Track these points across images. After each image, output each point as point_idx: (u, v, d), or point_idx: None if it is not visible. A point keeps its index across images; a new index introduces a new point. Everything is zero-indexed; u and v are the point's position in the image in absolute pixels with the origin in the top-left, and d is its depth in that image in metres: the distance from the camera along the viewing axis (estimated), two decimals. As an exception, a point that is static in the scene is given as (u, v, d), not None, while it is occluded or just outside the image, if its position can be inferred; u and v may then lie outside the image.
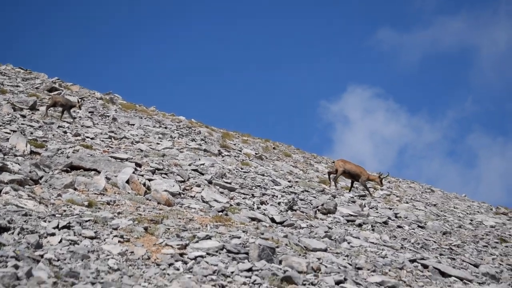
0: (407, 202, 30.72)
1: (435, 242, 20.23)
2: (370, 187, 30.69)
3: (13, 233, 11.25)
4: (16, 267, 8.99)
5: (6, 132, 21.46)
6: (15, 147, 19.27)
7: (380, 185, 30.38)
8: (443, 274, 15.67)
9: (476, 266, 17.67)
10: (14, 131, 21.56)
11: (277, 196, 21.37)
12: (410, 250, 17.73)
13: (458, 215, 29.91)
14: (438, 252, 18.59)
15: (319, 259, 13.77)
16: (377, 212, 23.72)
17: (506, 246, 23.09)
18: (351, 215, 21.05)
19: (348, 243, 16.60)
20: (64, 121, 27.11)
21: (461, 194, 42.25)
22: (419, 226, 22.76)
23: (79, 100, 30.07)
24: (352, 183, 29.97)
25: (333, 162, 31.01)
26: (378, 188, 33.04)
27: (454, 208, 33.85)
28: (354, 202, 24.86)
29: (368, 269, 14.09)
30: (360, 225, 19.89)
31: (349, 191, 29.16)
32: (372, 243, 17.44)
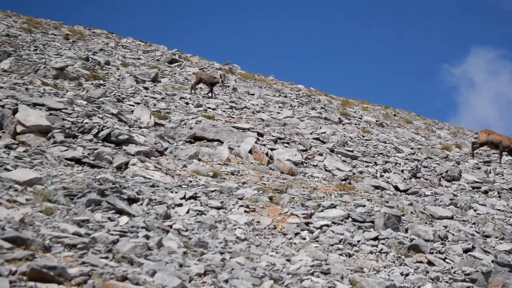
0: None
1: None
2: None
3: (142, 204, 11.49)
4: (147, 237, 9.16)
5: (130, 105, 21.89)
6: (139, 119, 19.65)
7: None
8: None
9: None
10: (137, 103, 21.98)
11: (400, 164, 21.12)
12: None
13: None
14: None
15: (445, 227, 13.57)
16: (503, 179, 23.11)
17: None
18: (477, 182, 20.61)
19: (475, 210, 16.28)
20: (210, 97, 27.54)
21: None
22: (548, 192, 22.09)
23: (221, 75, 30.33)
24: (500, 153, 28.91)
25: (476, 133, 30.34)
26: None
27: None
28: (479, 168, 24.30)
29: (496, 237, 13.79)
30: (486, 192, 19.45)
31: (499, 163, 28.23)
32: (499, 210, 17.04)
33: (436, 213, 14.49)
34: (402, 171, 20.00)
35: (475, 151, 28.13)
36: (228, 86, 31.29)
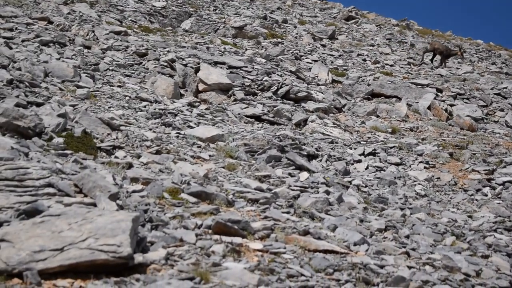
0: None
1: None
2: None
3: (321, 160, 11.64)
4: (328, 192, 9.28)
5: (307, 62, 22.04)
6: (317, 76, 19.79)
7: None
8: None
9: None
10: (315, 61, 22.09)
11: None
12: None
13: None
14: None
15: None
16: None
17: None
18: None
19: None
20: (442, 68, 27.33)
21: None
22: None
23: (460, 47, 29.85)
24: None
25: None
26: None
27: None
28: None
29: None
30: None
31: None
32: None
33: None
34: None
35: None
36: (406, 42, 30.85)
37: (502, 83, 23.37)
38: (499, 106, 19.32)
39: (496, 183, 11.50)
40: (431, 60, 26.35)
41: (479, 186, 11.28)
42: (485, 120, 17.93)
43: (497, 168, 12.23)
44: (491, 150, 13.72)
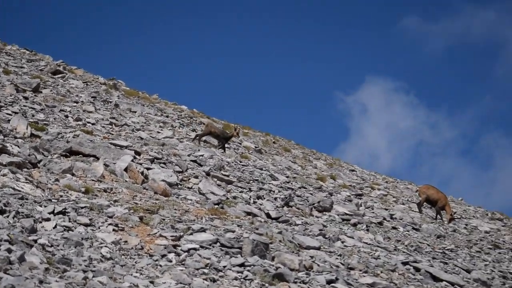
0: (403, 203, 30.74)
1: (428, 245, 20.27)
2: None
3: (8, 216, 11.30)
4: (9, 251, 9.03)
5: (7, 114, 21.43)
6: (15, 129, 19.27)
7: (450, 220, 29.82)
8: (435, 278, 15.73)
9: (468, 271, 17.71)
10: (15, 113, 21.52)
11: (274, 191, 21.39)
12: (403, 252, 17.78)
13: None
14: (431, 255, 18.63)
15: (312, 257, 13.84)
16: (373, 212, 23.77)
17: (500, 253, 23.13)
18: (347, 214, 21.09)
19: (342, 242, 16.66)
20: (221, 149, 27.47)
21: (457, 198, 42.25)
22: (413, 228, 22.79)
23: (236, 127, 29.91)
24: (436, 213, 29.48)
25: (417, 191, 31.12)
26: (375, 188, 33.10)
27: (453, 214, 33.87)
28: (350, 201, 24.90)
29: (360, 270, 14.15)
30: (355, 225, 19.93)
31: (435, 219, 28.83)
32: (366, 243, 17.49)
33: (304, 243, 14.76)
34: (276, 198, 20.27)
35: (419, 207, 28.82)
36: (111, 102, 31.02)
37: (199, 150, 24.16)
38: (194, 173, 19.90)
39: (181, 250, 11.77)
40: (199, 138, 27.07)
41: (165, 252, 11.48)
42: (180, 186, 18.36)
43: (184, 235, 12.53)
44: (181, 217, 14.07)
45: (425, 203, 28.86)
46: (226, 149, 28.05)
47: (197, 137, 27.76)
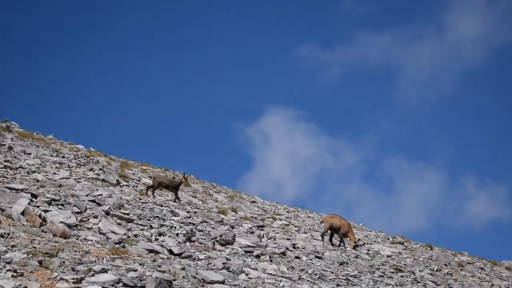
0: (305, 232, 31.01)
1: (332, 272, 20.49)
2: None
3: None
4: None
5: None
6: None
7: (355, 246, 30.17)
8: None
9: (373, 296, 17.99)
10: None
11: (175, 227, 21.25)
12: (308, 281, 17.91)
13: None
14: (335, 282, 18.84)
15: (216, 291, 13.78)
16: (275, 243, 23.89)
17: (402, 276, 23.59)
18: (250, 246, 21.12)
19: (246, 274, 16.65)
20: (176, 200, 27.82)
21: (359, 224, 42.91)
22: (316, 257, 23.01)
23: (184, 174, 30.04)
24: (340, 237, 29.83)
25: (321, 222, 31.38)
26: (277, 218, 33.30)
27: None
28: (252, 232, 24.96)
29: (266, 301, 14.18)
30: (258, 256, 19.97)
31: (337, 246, 29.13)
32: (270, 274, 17.54)
33: (207, 278, 14.69)
34: (177, 234, 20.13)
35: (322, 236, 29.15)
36: (4, 145, 30.40)
37: (97, 190, 23.83)
38: (93, 213, 19.59)
39: (82, 292, 11.55)
40: (153, 192, 27.12)
41: (66, 295, 11.26)
42: (79, 227, 18.04)
43: (85, 277, 12.30)
44: (81, 258, 13.81)
45: (329, 231, 29.23)
46: (175, 195, 28.65)
47: (148, 190, 28.26)
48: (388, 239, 38.55)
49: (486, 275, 31.95)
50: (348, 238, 29.61)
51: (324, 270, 20.45)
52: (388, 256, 29.17)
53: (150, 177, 33.35)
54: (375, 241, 34.32)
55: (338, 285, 18.53)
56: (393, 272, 23.96)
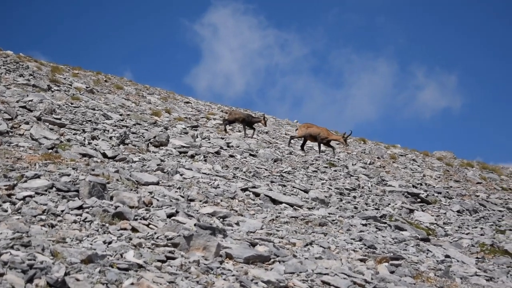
0: (239, 131, 31.14)
1: (266, 169, 20.69)
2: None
3: None
4: None
5: None
6: None
7: (345, 145, 30.42)
8: (274, 201, 16.10)
9: (306, 191, 18.22)
10: None
11: (108, 131, 21.09)
12: (242, 179, 18.06)
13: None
14: (270, 179, 19.03)
15: (150, 193, 13.80)
16: (210, 143, 23.96)
17: (335, 170, 23.91)
18: (184, 147, 21.14)
19: (181, 175, 16.70)
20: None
21: (293, 120, 43.23)
22: (250, 155, 23.17)
23: (264, 116, 31.06)
24: (319, 145, 29.91)
25: (296, 130, 31.40)
26: (211, 118, 33.30)
27: (286, 134, 34.62)
28: (186, 133, 24.96)
29: (200, 201, 14.26)
30: (192, 156, 20.01)
31: (319, 152, 29.33)
32: (205, 173, 17.63)
33: (142, 179, 14.70)
34: (111, 137, 20.00)
35: (291, 142, 29.38)
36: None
37: (28, 96, 23.42)
38: (25, 119, 19.29)
39: (16, 198, 11.43)
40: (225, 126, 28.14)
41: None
42: (10, 134, 17.77)
43: (18, 183, 12.17)
44: (13, 165, 13.65)
45: (303, 139, 29.66)
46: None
47: (224, 125, 30.26)
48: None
49: (418, 166, 32.64)
50: (334, 142, 30.18)
51: (258, 168, 20.63)
52: (322, 152, 29.51)
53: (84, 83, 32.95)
54: (265, 129, 34.57)
55: (272, 181, 18.72)
56: (326, 167, 24.29)
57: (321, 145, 29.36)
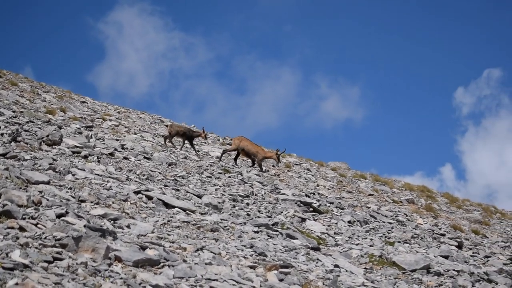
0: (135, 133, 30.90)
1: (160, 173, 20.57)
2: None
3: None
4: None
5: None
6: None
7: (278, 162, 30.32)
8: (167, 205, 16.03)
9: (200, 196, 18.20)
10: None
11: (0, 127, 20.59)
12: (136, 181, 17.91)
13: (185, 146, 30.53)
14: (163, 183, 18.93)
15: (41, 192, 13.52)
16: (104, 144, 23.67)
17: (229, 177, 23.98)
18: (77, 147, 20.80)
19: (73, 175, 16.42)
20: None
21: (190, 125, 43.20)
22: (145, 157, 22.99)
23: (204, 130, 30.38)
24: (252, 161, 29.78)
25: (231, 139, 31.13)
26: (106, 119, 32.95)
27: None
28: (80, 133, 24.61)
29: (92, 202, 14.06)
30: (86, 157, 19.71)
31: (252, 166, 29.49)
32: (98, 175, 17.39)
33: (32, 178, 14.38)
34: (2, 134, 19.51)
35: (235, 159, 29.32)
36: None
37: None
38: None
39: None
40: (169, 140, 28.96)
41: None
42: None
43: None
44: None
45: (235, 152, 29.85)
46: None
47: (165, 140, 29.99)
48: (219, 140, 39.07)
49: (312, 175, 33.05)
50: (270, 160, 30.42)
51: (152, 171, 20.49)
52: (217, 157, 29.57)
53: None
54: (205, 143, 34.62)
55: (166, 185, 18.63)
56: (220, 173, 24.32)
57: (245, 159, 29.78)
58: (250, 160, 30.26)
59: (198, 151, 30.11)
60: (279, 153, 29.73)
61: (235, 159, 29.66)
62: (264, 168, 29.75)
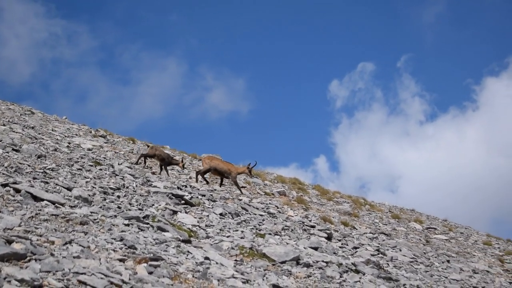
0: (4, 125, 30.19)
1: (29, 165, 20.19)
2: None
3: None
4: None
5: None
6: None
7: (251, 176, 29.89)
8: (36, 198, 15.75)
9: (70, 189, 17.97)
10: None
11: None
12: (3, 174, 17.52)
13: (56, 138, 30.04)
14: (32, 176, 18.59)
15: None
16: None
17: (100, 169, 23.78)
18: None
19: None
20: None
21: (61, 117, 42.50)
22: (14, 149, 22.50)
23: (182, 159, 30.18)
24: (221, 179, 29.20)
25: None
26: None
27: (53, 130, 33.93)
28: None
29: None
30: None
31: (220, 185, 29.17)
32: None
33: None
34: None
35: (202, 176, 28.99)
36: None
37: None
38: None
39: None
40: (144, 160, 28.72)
41: None
42: None
43: None
44: None
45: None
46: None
47: (143, 157, 29.57)
48: (91, 132, 38.60)
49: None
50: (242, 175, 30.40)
51: (21, 163, 20.09)
52: (88, 150, 29.25)
53: None
54: (76, 135, 34.18)
55: (34, 178, 18.30)
56: (91, 165, 24.07)
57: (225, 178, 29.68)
58: (219, 178, 30.21)
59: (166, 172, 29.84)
60: (250, 167, 29.62)
61: (202, 175, 29.50)
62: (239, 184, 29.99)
